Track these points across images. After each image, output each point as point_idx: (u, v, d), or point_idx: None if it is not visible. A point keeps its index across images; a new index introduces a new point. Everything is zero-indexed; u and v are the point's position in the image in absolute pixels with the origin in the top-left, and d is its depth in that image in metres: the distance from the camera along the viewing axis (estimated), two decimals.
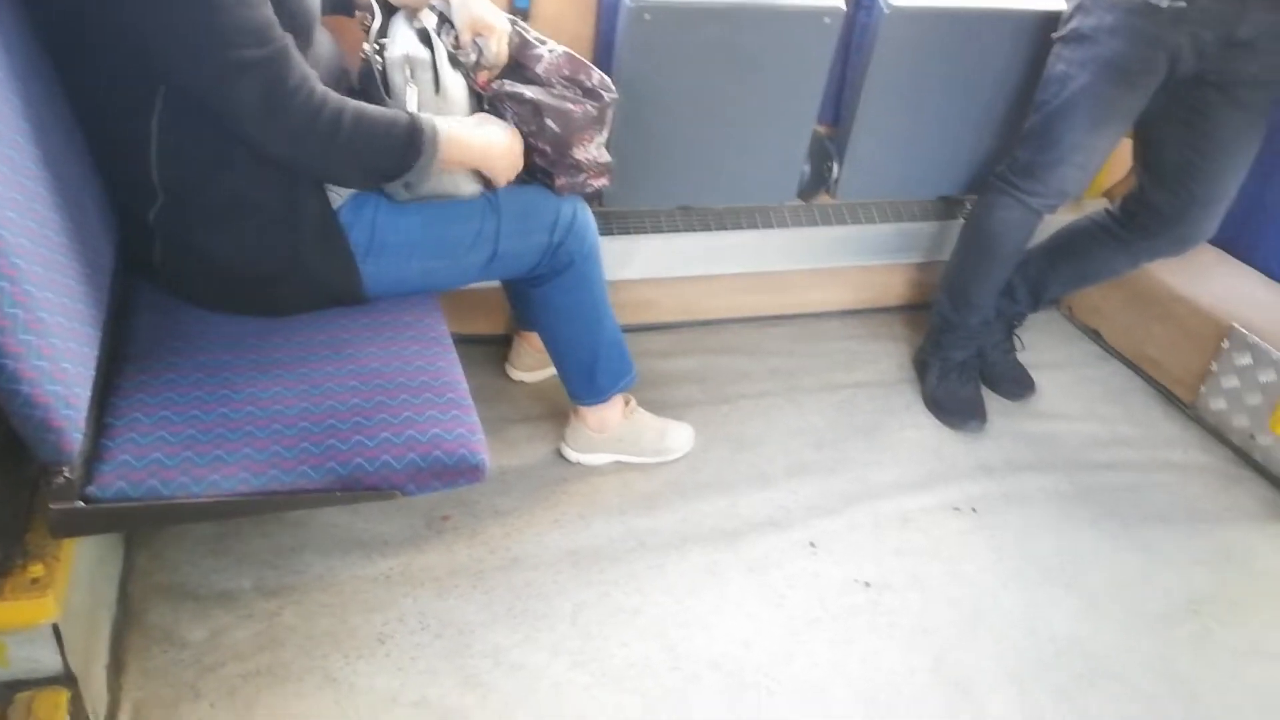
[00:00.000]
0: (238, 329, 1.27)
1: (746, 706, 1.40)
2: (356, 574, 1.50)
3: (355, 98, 1.35)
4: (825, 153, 2.01)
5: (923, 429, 2.04)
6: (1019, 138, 1.90)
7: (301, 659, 1.36)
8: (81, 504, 1.01)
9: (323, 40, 1.32)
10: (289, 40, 1.12)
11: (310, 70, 1.16)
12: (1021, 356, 2.23)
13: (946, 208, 2.29)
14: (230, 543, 1.52)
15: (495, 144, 1.34)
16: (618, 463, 1.81)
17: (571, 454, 1.80)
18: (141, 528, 1.41)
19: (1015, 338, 2.21)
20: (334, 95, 1.18)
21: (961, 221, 2.15)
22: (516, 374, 2.01)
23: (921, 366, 2.16)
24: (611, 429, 1.77)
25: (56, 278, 1.00)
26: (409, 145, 1.22)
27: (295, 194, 1.23)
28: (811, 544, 1.70)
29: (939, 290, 2.12)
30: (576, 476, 1.78)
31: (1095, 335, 2.41)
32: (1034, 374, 2.20)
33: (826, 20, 1.77)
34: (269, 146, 1.17)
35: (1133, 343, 2.31)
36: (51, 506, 1.00)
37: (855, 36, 1.87)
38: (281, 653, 1.36)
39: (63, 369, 0.98)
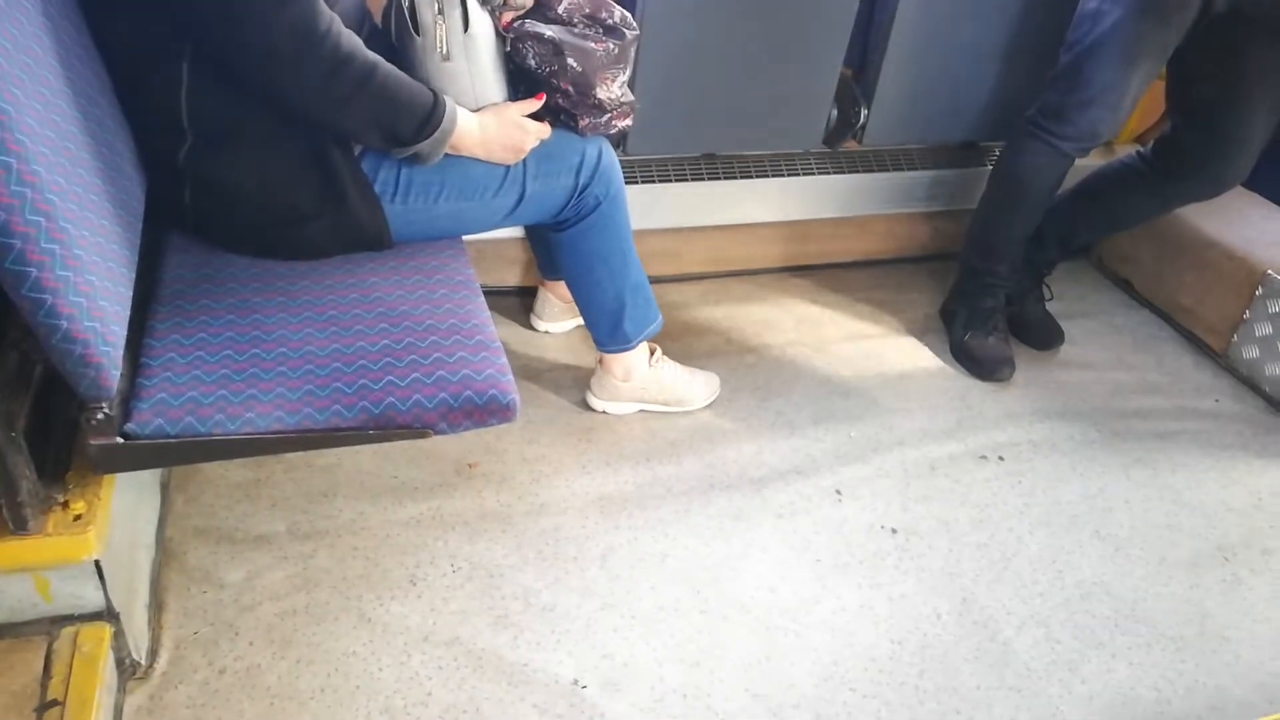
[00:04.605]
0: (265, 271, 1.28)
1: (775, 648, 1.41)
2: (387, 518, 1.52)
3: (379, 37, 1.36)
4: (852, 97, 1.98)
5: (950, 378, 2.03)
6: (1049, 79, 1.86)
7: (336, 599, 1.38)
8: (121, 440, 1.02)
9: None
10: None
11: (336, 15, 1.15)
12: (1051, 306, 2.20)
13: (973, 154, 2.25)
14: (263, 488, 1.54)
15: (492, 139, 1.35)
16: (643, 411, 1.81)
17: (597, 403, 1.81)
18: (179, 463, 1.43)
19: (1045, 286, 2.19)
20: (363, 50, 1.17)
21: (988, 168, 2.11)
22: (541, 325, 2.01)
23: (949, 316, 2.15)
24: (637, 377, 1.77)
25: (90, 216, 1.01)
26: (429, 119, 1.25)
27: (320, 135, 1.23)
28: (838, 491, 1.71)
29: (967, 238, 2.09)
30: (602, 425, 1.79)
31: (1125, 284, 2.38)
32: (1063, 323, 2.18)
33: None
34: (291, 92, 1.16)
35: (1164, 291, 2.27)
36: (92, 442, 1.01)
37: None
38: (316, 593, 1.38)
39: (99, 306, 0.99)
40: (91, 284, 0.98)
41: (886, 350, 2.08)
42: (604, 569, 1.50)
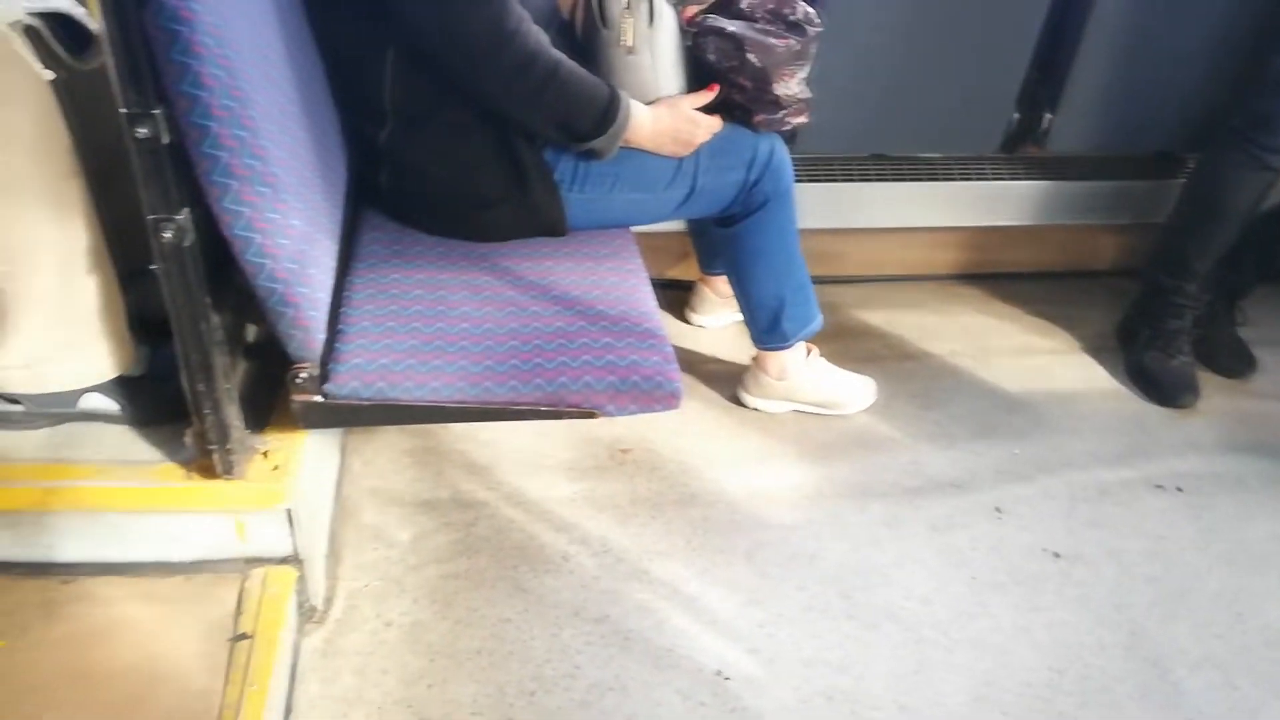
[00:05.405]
0: (450, 251, 1.35)
1: (925, 661, 1.38)
2: (544, 495, 1.57)
3: (567, 31, 1.40)
4: (1035, 100, 1.89)
5: (1125, 401, 1.92)
6: (1257, 86, 1.72)
7: (494, 567, 1.44)
8: (321, 399, 1.10)
9: None
10: None
11: (525, 14, 1.20)
12: (1242, 331, 2.05)
13: (1165, 166, 2.12)
14: (431, 457, 1.62)
15: (663, 132, 1.37)
16: (796, 411, 1.80)
17: (750, 400, 1.81)
18: (371, 424, 1.54)
19: (1238, 309, 2.03)
20: (549, 48, 1.22)
21: (1180, 181, 1.98)
22: (697, 319, 2.03)
23: (1128, 335, 2.03)
24: (791, 376, 1.75)
25: (305, 191, 1.09)
26: (605, 116, 1.29)
27: (507, 126, 1.29)
28: (998, 509, 1.64)
29: (1154, 253, 1.97)
30: (754, 422, 1.79)
31: None
32: (1256, 351, 2.02)
33: None
34: (480, 84, 1.22)
35: None
36: (295, 399, 1.10)
37: None
38: (477, 559, 1.45)
39: (309, 274, 1.07)
40: (303, 253, 1.06)
41: (1057, 367, 1.99)
42: (751, 564, 1.50)
